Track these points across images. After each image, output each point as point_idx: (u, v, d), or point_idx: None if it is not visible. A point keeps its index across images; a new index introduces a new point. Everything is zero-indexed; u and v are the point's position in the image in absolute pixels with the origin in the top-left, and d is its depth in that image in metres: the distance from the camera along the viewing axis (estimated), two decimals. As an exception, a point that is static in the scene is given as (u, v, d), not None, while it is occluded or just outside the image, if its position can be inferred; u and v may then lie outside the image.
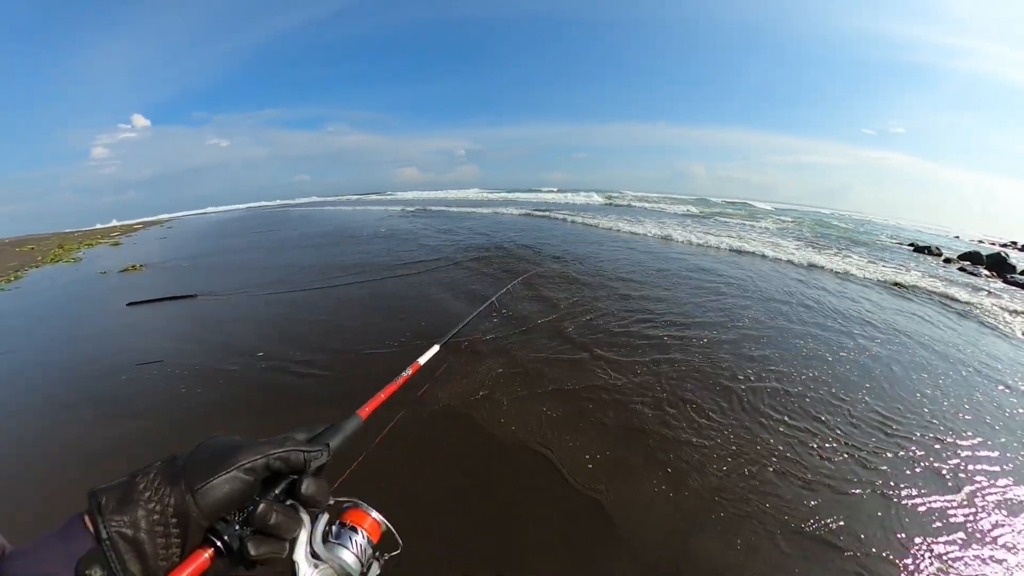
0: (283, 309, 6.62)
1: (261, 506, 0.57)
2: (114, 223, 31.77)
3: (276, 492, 0.61)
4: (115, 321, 6.55)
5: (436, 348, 1.55)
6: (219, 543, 0.54)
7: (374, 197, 46.81)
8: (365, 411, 0.86)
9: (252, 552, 0.55)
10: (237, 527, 0.56)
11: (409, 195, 48.05)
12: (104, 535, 0.49)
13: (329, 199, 47.77)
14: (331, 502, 0.68)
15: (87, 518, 0.51)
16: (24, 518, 2.62)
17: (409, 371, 1.24)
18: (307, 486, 0.61)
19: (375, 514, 0.70)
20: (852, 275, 9.88)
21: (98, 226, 29.97)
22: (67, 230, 26.91)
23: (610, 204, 30.09)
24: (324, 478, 0.66)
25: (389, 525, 0.72)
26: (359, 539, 0.66)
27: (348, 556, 0.64)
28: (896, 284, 9.33)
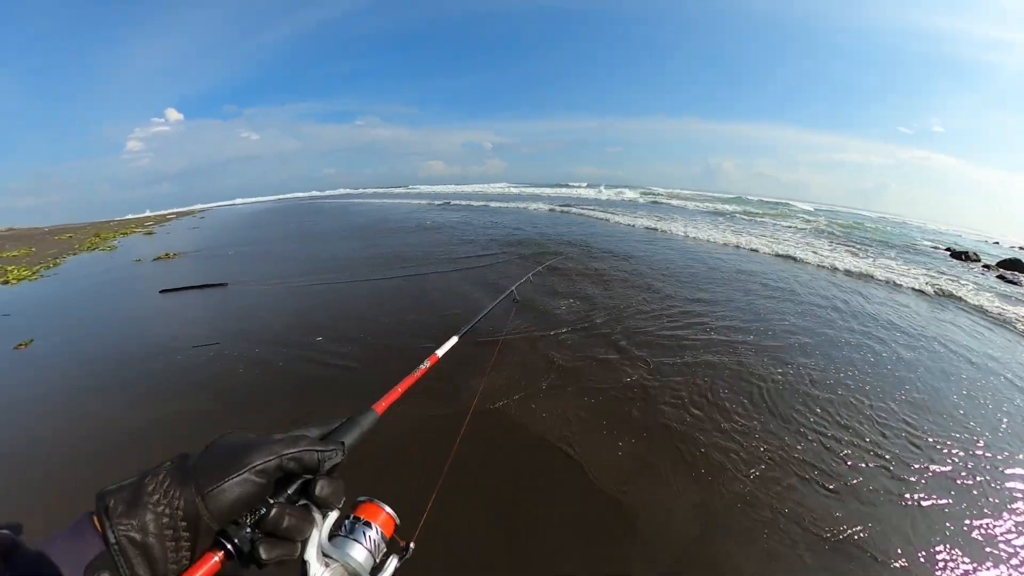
0: (315, 300, 6.72)
1: (274, 511, 0.55)
2: (147, 213, 32.61)
3: (289, 492, 0.60)
4: (148, 307, 6.73)
5: (454, 340, 1.54)
6: (230, 546, 0.53)
7: (401, 190, 46.67)
8: (382, 406, 0.85)
9: (264, 556, 0.54)
10: (248, 530, 0.55)
11: (439, 188, 47.73)
12: (112, 539, 0.48)
13: (360, 191, 47.94)
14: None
15: (96, 519, 0.50)
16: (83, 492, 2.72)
17: (427, 363, 1.22)
18: (321, 488, 0.60)
19: (388, 509, 0.69)
20: (892, 282, 9.54)
21: (132, 216, 30.79)
22: (103, 220, 27.67)
23: (653, 203, 28.98)
24: (339, 478, 0.65)
25: (399, 520, 0.70)
26: (372, 534, 0.65)
27: (360, 553, 0.62)
28: (937, 292, 9.02)
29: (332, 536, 0.63)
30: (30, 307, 7.16)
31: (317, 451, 0.62)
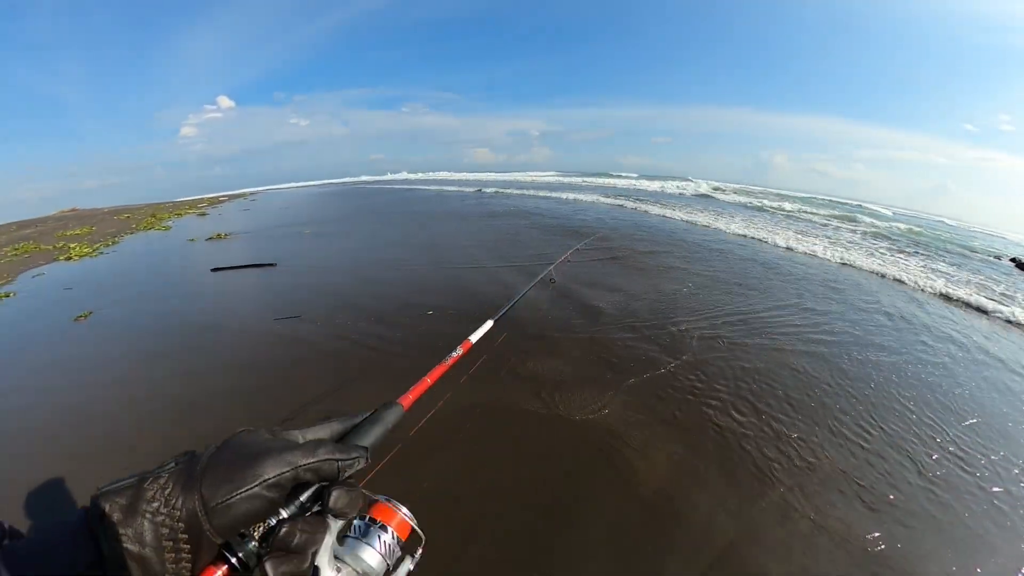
0: (363, 283, 6.73)
1: (284, 529, 0.50)
2: (201, 196, 33.65)
3: (302, 499, 0.55)
4: (200, 284, 6.87)
5: (489, 324, 1.42)
6: (234, 560, 0.49)
7: (458, 176, 46.34)
8: (408, 399, 0.78)
9: (270, 574, 0.48)
10: (254, 543, 0.50)
11: (490, 176, 46.20)
12: (107, 551, 0.45)
13: (421, 177, 47.59)
14: None
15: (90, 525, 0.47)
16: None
17: (460, 351, 1.13)
18: (336, 499, 0.54)
19: (405, 511, 0.64)
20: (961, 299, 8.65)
21: (187, 198, 31.83)
22: (159, 201, 28.69)
23: (753, 206, 24.33)
24: (356, 486, 0.58)
25: (415, 524, 0.64)
26: (387, 538, 0.60)
27: (373, 557, 0.57)
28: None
29: (343, 536, 0.59)
30: (90, 282, 7.46)
31: (337, 460, 0.56)
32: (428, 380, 0.89)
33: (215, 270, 7.47)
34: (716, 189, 30.17)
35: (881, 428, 3.53)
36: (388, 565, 0.60)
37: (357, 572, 0.57)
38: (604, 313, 5.39)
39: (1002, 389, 4.50)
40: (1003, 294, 9.30)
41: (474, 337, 1.28)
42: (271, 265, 7.65)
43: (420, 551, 0.65)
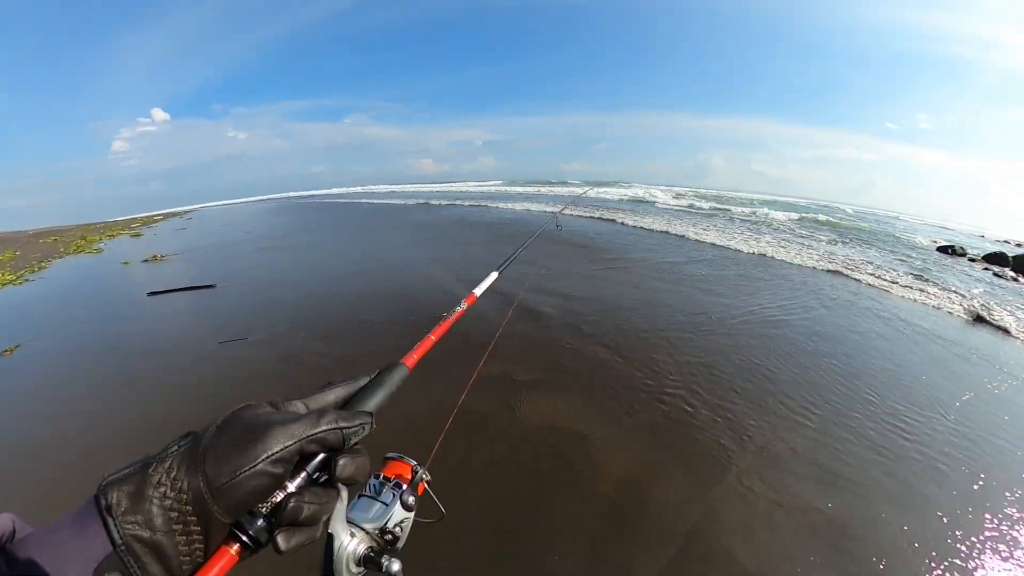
0: (305, 300, 6.67)
1: (292, 504, 0.50)
2: (135, 215, 32.23)
3: (308, 470, 0.53)
4: (136, 310, 6.65)
5: (495, 275, 1.40)
6: (245, 538, 0.48)
7: (408, 188, 45.17)
8: (412, 358, 0.76)
9: (283, 547, 0.49)
10: (263, 520, 0.49)
11: (435, 187, 45.92)
12: (119, 539, 0.44)
13: (367, 191, 46.39)
14: None
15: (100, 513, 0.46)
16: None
17: (464, 304, 1.10)
18: (343, 467, 0.53)
19: (414, 463, 0.65)
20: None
21: (119, 218, 30.43)
22: (89, 222, 27.33)
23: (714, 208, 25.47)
24: (363, 452, 0.57)
25: (429, 477, 0.67)
26: (403, 494, 0.61)
27: (392, 514, 0.59)
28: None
29: (360, 496, 0.60)
30: (15, 313, 7.03)
31: (343, 429, 0.54)
32: (432, 337, 0.87)
33: (152, 294, 7.26)
34: (650, 194, 31.40)
35: (824, 406, 3.80)
36: (405, 515, 0.61)
37: (372, 532, 0.58)
38: (551, 316, 5.59)
39: (928, 358, 5.04)
40: (923, 277, 10.34)
41: (478, 290, 1.25)
42: (210, 287, 7.48)
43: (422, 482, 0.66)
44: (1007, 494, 2.99)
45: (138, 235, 17.15)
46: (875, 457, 3.24)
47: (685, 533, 2.51)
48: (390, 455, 0.66)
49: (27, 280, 9.41)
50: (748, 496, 2.79)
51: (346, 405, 0.63)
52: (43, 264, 11.22)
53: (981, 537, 2.62)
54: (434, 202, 25.56)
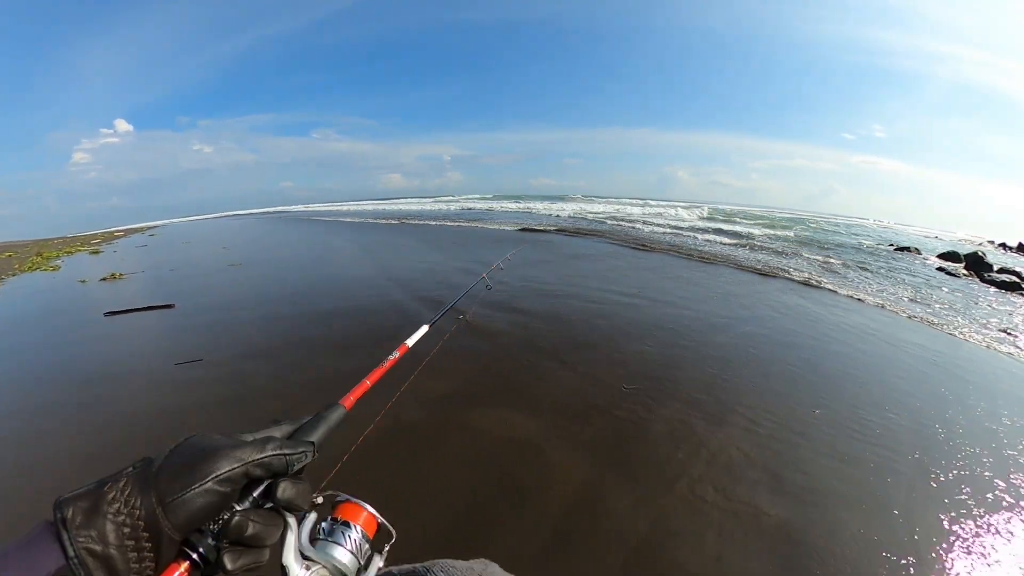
0: (267, 321, 6.56)
1: (236, 519, 0.53)
2: (95, 231, 31.30)
3: (254, 496, 0.57)
4: (92, 331, 6.43)
5: (425, 328, 1.48)
6: (195, 556, 0.50)
7: (379, 206, 44.54)
8: (350, 400, 0.81)
9: (229, 566, 0.52)
10: (212, 539, 0.52)
11: (411, 205, 45.07)
12: (71, 552, 0.45)
13: (338, 209, 45.29)
14: (319, 500, 0.65)
15: (54, 529, 0.47)
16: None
17: (396, 354, 1.16)
18: (283, 490, 0.57)
19: (369, 507, 0.67)
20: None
21: (78, 233, 29.50)
22: (47, 237, 26.45)
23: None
24: (304, 479, 0.62)
25: (382, 518, 0.68)
26: (353, 535, 0.63)
27: (342, 554, 0.60)
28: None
29: (313, 539, 0.61)
30: (-37, 334, 6.75)
31: (286, 454, 0.59)
32: (367, 382, 0.92)
33: (109, 314, 7.05)
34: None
35: (778, 411, 3.85)
36: (359, 562, 0.62)
37: (327, 569, 0.59)
38: (502, 333, 5.62)
39: (883, 361, 5.17)
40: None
41: (411, 341, 1.32)
42: (169, 306, 7.28)
43: (387, 547, 0.68)
44: (964, 488, 3.08)
45: (98, 252, 16.63)
46: (830, 461, 3.31)
47: (634, 545, 2.52)
48: (341, 497, 0.68)
49: (-23, 300, 9.04)
50: (699, 505, 2.82)
51: (290, 438, 0.66)
52: (-5, 283, 10.80)
53: (939, 533, 2.69)
54: (413, 221, 24.90)
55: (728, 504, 2.82)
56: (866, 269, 12.26)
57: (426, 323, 1.51)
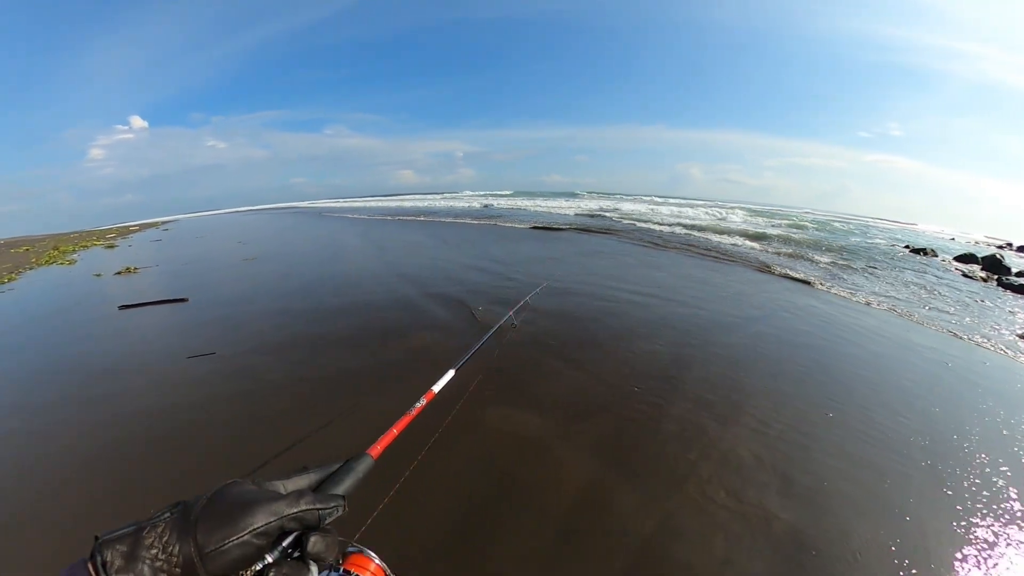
0: (282, 317, 6.60)
1: (271, 573, 0.56)
2: (110, 225, 31.67)
3: (284, 546, 0.59)
4: (106, 323, 6.52)
5: (451, 373, 1.45)
6: None
7: (391, 203, 43.82)
8: (376, 449, 0.83)
9: None
10: None
11: (419, 202, 43.42)
12: None
13: (358, 205, 44.37)
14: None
15: (92, 571, 0.49)
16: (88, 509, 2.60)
17: (423, 401, 1.17)
18: (315, 543, 0.59)
19: (377, 560, 0.69)
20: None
21: (93, 228, 29.87)
22: (63, 232, 26.81)
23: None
24: (333, 531, 0.64)
25: (390, 572, 0.71)
26: None
27: None
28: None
29: None
30: (-19, 325, 6.86)
31: (319, 509, 0.61)
32: (394, 431, 0.93)
33: (123, 307, 7.14)
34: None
35: (789, 413, 3.81)
36: None
37: None
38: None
39: (895, 363, 5.08)
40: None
41: (436, 387, 1.31)
42: (183, 300, 7.37)
43: None
44: (978, 496, 3.02)
45: (112, 246, 16.87)
46: (841, 464, 3.27)
47: (640, 546, 2.51)
48: (351, 548, 0.72)
49: (-4, 292, 9.20)
50: (708, 506, 2.80)
51: (318, 488, 0.70)
52: (13, 275, 10.96)
53: (952, 543, 2.64)
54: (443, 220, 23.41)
55: (738, 506, 2.79)
56: (880, 270, 12.10)
57: (453, 368, 1.50)
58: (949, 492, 3.04)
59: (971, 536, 2.68)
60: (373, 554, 0.70)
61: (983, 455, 3.47)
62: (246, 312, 6.76)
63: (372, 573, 0.68)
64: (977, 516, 2.84)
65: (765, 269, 10.57)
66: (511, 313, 3.53)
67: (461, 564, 2.38)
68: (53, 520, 2.68)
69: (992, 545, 2.62)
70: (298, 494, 0.62)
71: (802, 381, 4.49)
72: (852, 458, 3.32)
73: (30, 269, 11.98)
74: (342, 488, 0.70)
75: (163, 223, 30.73)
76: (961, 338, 6.57)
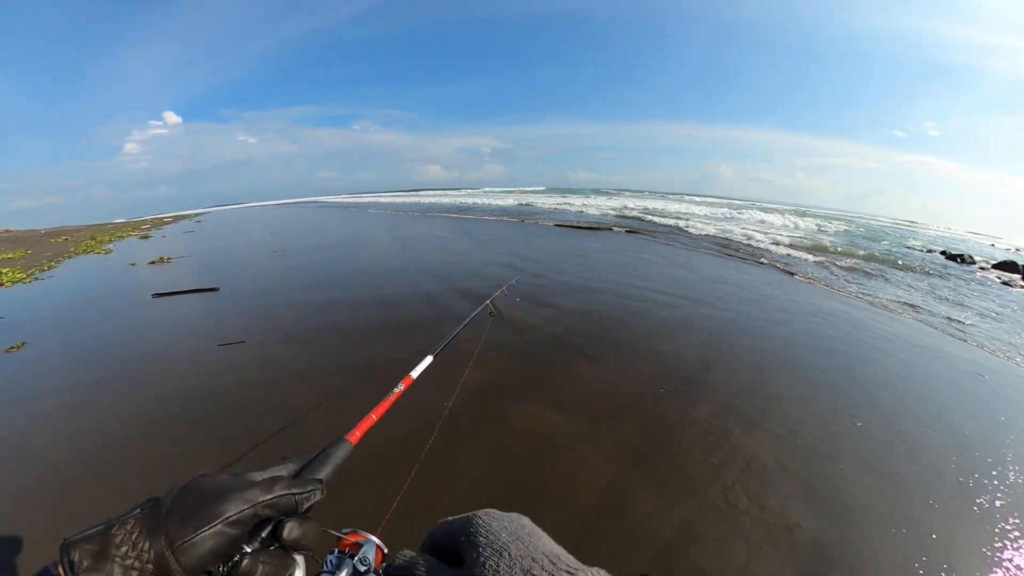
0: (306, 309, 6.73)
1: (246, 562, 0.53)
2: (144, 216, 32.55)
3: (262, 536, 0.57)
4: (140, 311, 6.74)
5: (429, 359, 1.46)
6: None
7: (419, 199, 42.82)
8: (355, 435, 0.80)
9: None
10: None
11: (447, 198, 41.29)
12: None
13: (367, 199, 44.53)
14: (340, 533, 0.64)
15: (61, 572, 0.46)
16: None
17: (401, 386, 1.16)
18: (290, 530, 0.57)
19: (374, 539, 0.66)
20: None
21: (129, 219, 30.72)
22: (100, 223, 27.63)
23: None
24: (311, 518, 0.61)
25: (387, 550, 0.66)
26: (360, 567, 0.62)
27: None
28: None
29: (319, 573, 0.61)
30: (24, 310, 7.15)
31: (295, 494, 0.59)
32: (373, 416, 0.91)
33: (156, 296, 7.35)
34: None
35: (815, 420, 3.74)
36: None
37: None
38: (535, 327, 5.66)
39: (926, 374, 4.94)
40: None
41: (415, 373, 1.30)
42: (214, 290, 7.55)
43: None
44: (1010, 518, 2.92)
45: (147, 237, 17.35)
46: (867, 477, 3.20)
47: (659, 549, 2.50)
48: (347, 530, 0.67)
49: (37, 279, 9.56)
50: (729, 513, 2.77)
51: (297, 476, 0.66)
52: (53, 263, 11.38)
53: (981, 566, 2.56)
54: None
55: (760, 514, 2.76)
56: (911, 274, 11.80)
57: (431, 354, 1.50)
58: (979, 511, 2.95)
59: (1001, 558, 2.60)
60: (371, 535, 0.66)
61: (1017, 475, 3.36)
62: (275, 303, 6.91)
63: (371, 552, 0.64)
64: (1008, 538, 2.74)
65: (786, 270, 10.38)
66: (488, 302, 3.45)
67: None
68: (102, 485, 2.80)
69: (1022, 569, 2.55)
70: (272, 480, 0.59)
71: (830, 388, 4.40)
72: (878, 470, 3.25)
73: (69, 258, 12.40)
74: (320, 473, 0.67)
75: (196, 215, 31.46)
76: (995, 353, 6.36)
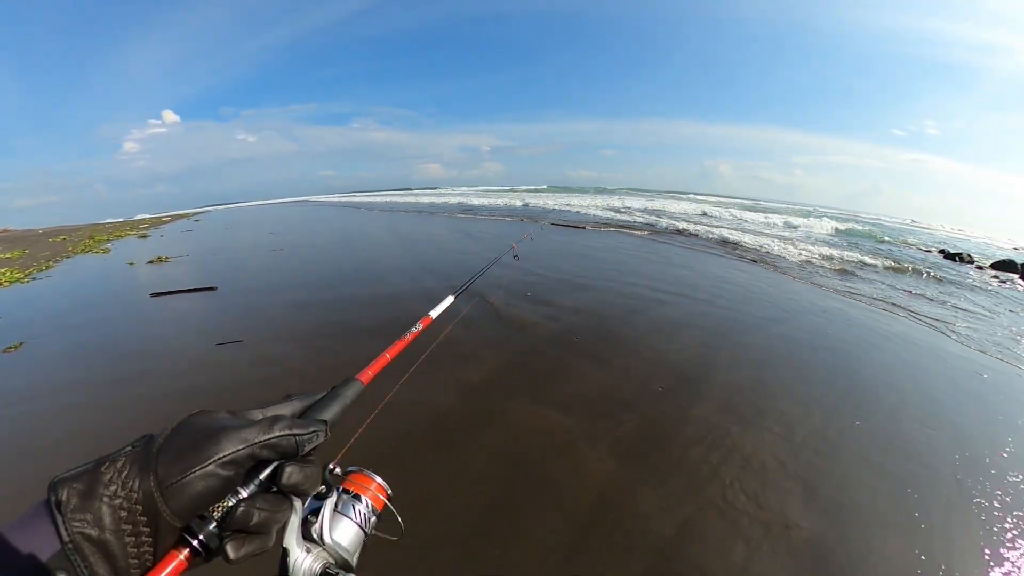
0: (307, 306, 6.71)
1: (241, 508, 0.49)
2: (143, 216, 32.52)
3: (260, 479, 0.53)
4: (138, 310, 6.72)
5: (450, 299, 1.41)
6: (195, 543, 0.47)
7: (419, 198, 40.27)
8: (367, 374, 0.76)
9: (232, 555, 0.49)
10: (215, 525, 0.48)
11: (449, 198, 38.99)
12: (66, 537, 0.42)
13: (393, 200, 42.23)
14: (336, 470, 0.62)
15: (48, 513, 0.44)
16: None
17: (420, 326, 1.10)
18: (290, 474, 0.53)
19: (378, 479, 0.65)
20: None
21: (127, 218, 30.69)
22: (98, 222, 27.59)
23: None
24: (314, 461, 0.57)
25: (390, 491, 0.66)
26: (362, 508, 0.61)
27: (346, 531, 0.58)
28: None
29: (317, 511, 0.59)
30: (21, 310, 7.14)
31: (296, 435, 0.54)
32: (387, 356, 0.88)
33: (154, 295, 7.33)
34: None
35: (814, 419, 3.73)
36: (366, 534, 0.60)
37: (328, 552, 0.57)
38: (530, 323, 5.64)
39: (926, 373, 4.94)
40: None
41: (434, 312, 1.25)
42: (212, 289, 7.53)
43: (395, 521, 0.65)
44: (1009, 517, 2.90)
45: (145, 236, 17.33)
46: (866, 475, 3.20)
47: (658, 547, 2.49)
48: (351, 468, 0.66)
49: (34, 279, 9.54)
50: (729, 511, 2.76)
51: (302, 416, 0.62)
52: (51, 263, 11.36)
53: (979, 564, 2.55)
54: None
55: (758, 512, 2.75)
56: (910, 273, 11.82)
57: (451, 294, 1.43)
58: (978, 510, 2.95)
59: (1001, 557, 2.59)
60: (375, 475, 0.65)
61: (1017, 474, 3.35)
62: (273, 301, 6.89)
63: (373, 492, 0.63)
64: (1008, 537, 2.74)
65: (790, 272, 10.38)
66: (514, 244, 3.56)
67: (482, 556, 2.41)
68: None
69: (1022, 569, 2.55)
70: (272, 419, 0.55)
71: (829, 387, 4.40)
72: (878, 469, 3.24)
73: (66, 258, 12.38)
74: (326, 414, 0.62)
75: (194, 214, 31.43)
76: (996, 357, 6.35)
